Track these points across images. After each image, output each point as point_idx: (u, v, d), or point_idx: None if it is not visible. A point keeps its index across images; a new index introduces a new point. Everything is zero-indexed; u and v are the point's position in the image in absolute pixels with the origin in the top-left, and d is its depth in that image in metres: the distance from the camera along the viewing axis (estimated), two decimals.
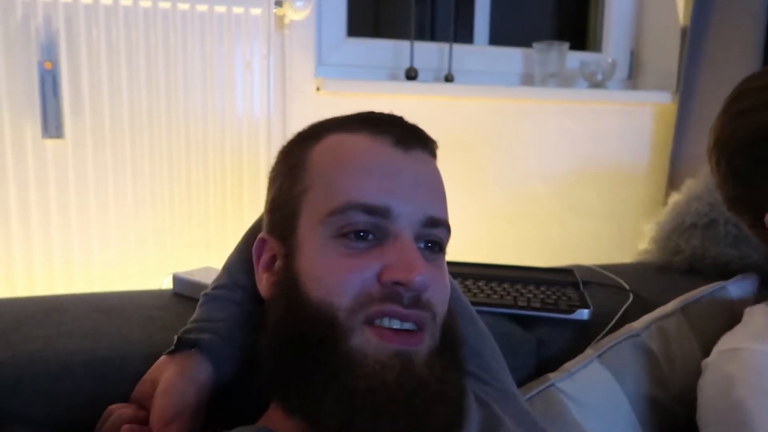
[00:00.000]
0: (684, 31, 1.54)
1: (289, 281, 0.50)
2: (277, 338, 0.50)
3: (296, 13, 1.31)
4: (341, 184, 0.49)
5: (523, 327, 0.80)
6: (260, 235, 0.56)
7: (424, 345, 0.48)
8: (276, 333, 0.50)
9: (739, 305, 0.77)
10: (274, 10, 1.31)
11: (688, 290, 0.82)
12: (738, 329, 0.68)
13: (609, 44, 1.70)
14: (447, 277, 0.53)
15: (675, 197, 1.04)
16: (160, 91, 1.22)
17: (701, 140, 1.50)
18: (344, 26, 1.50)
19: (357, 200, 0.48)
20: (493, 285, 0.85)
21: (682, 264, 0.94)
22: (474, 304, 0.70)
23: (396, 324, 0.47)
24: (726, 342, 0.66)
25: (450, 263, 0.87)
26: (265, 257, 0.55)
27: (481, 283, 0.85)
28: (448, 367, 0.48)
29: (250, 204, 1.26)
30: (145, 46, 1.20)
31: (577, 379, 0.71)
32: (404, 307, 0.47)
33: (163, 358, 0.54)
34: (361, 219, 0.48)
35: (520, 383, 0.73)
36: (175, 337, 0.55)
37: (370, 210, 0.48)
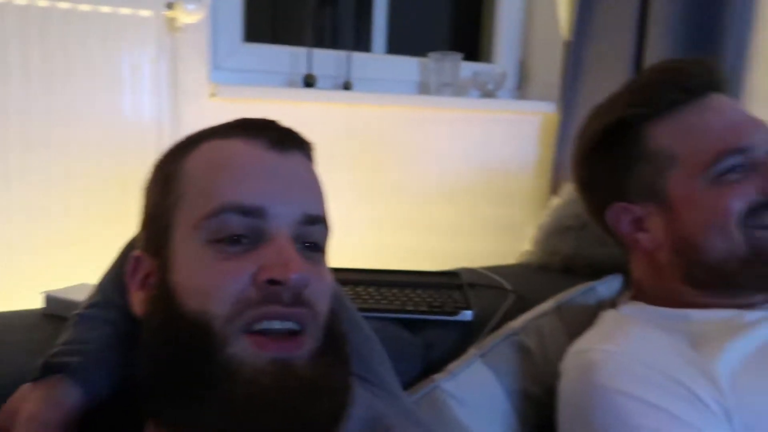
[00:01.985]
0: (567, 45, 1.64)
1: (163, 295, 0.49)
2: (153, 354, 0.49)
3: (188, 16, 1.28)
4: (215, 188, 0.49)
5: (411, 330, 0.82)
6: (134, 253, 0.54)
7: (305, 348, 0.47)
8: (152, 349, 0.49)
9: (606, 305, 0.83)
10: (165, 13, 1.27)
11: (562, 289, 0.88)
12: (589, 332, 0.74)
13: (499, 56, 1.79)
14: (328, 275, 0.53)
15: (555, 201, 1.11)
16: (37, 94, 1.15)
17: None
18: (240, 31, 1.48)
19: (232, 202, 0.48)
20: (382, 290, 0.87)
21: (559, 264, 1.01)
22: (363, 310, 0.72)
23: (276, 324, 0.46)
24: (577, 344, 0.72)
25: (339, 270, 0.89)
26: (139, 275, 0.53)
27: (370, 289, 0.87)
28: (332, 364, 0.49)
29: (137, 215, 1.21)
30: (19, 47, 1.13)
31: (460, 379, 0.75)
32: (284, 306, 0.46)
33: (25, 386, 0.51)
34: (236, 221, 0.48)
35: (409, 386, 0.75)
36: (40, 362, 0.52)
37: (245, 211, 0.48)
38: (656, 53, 1.47)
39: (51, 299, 0.69)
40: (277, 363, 0.46)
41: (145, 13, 1.23)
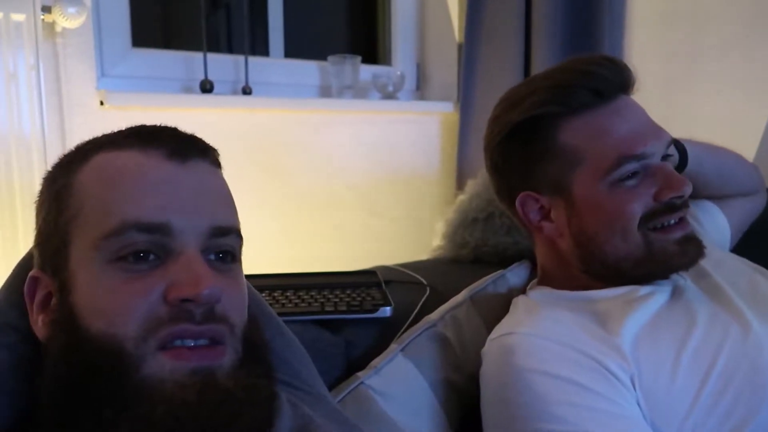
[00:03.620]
0: (460, 47, 1.70)
1: (65, 317, 0.46)
2: (57, 380, 0.46)
3: (69, 21, 1.19)
4: (114, 205, 0.47)
5: (332, 331, 0.82)
6: (31, 273, 0.51)
7: (226, 358, 0.47)
8: (56, 375, 0.46)
9: (513, 292, 0.87)
10: (42, 17, 1.18)
11: (475, 279, 0.91)
12: (505, 319, 0.78)
13: (397, 58, 1.83)
14: (243, 286, 0.52)
15: (460, 196, 1.15)
16: None
17: (480, 145, 1.67)
18: (128, 36, 1.40)
19: (133, 219, 0.46)
20: (300, 293, 0.86)
21: (469, 255, 1.04)
22: (282, 314, 0.71)
23: (188, 342, 0.45)
24: (495, 330, 0.75)
25: (255, 276, 0.87)
26: (39, 296, 0.50)
27: (288, 293, 0.86)
28: (254, 374, 0.48)
29: (26, 233, 1.12)
30: None
31: (383, 374, 0.75)
32: (197, 324, 0.45)
33: None
34: (139, 239, 0.46)
35: (332, 385, 0.75)
36: None
37: (148, 228, 0.46)
38: (542, 53, 1.57)
39: None
40: (199, 373, 0.44)
41: (18, 17, 1.13)
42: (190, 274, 0.45)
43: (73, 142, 0.54)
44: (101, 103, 1.28)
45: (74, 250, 0.47)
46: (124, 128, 0.53)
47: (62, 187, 0.50)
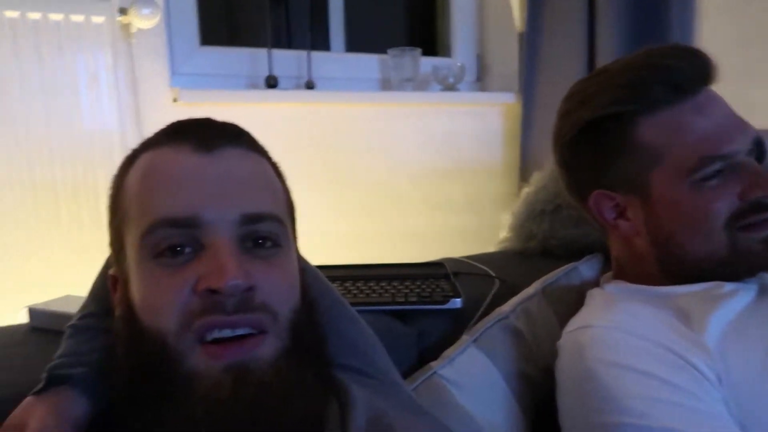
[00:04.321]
0: (521, 36, 1.68)
1: (126, 314, 0.49)
2: (123, 373, 0.48)
3: (143, 21, 1.25)
4: (148, 203, 0.48)
5: (403, 321, 0.83)
6: (110, 271, 0.54)
7: (266, 348, 0.46)
8: (122, 367, 0.48)
9: (587, 285, 0.86)
10: (119, 18, 1.23)
11: (544, 272, 0.90)
12: (582, 311, 0.76)
13: (457, 50, 1.82)
14: (289, 272, 0.51)
15: (526, 188, 1.14)
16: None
17: (544, 135, 1.65)
18: (196, 34, 1.45)
19: (164, 216, 0.47)
20: (371, 284, 0.87)
21: (537, 248, 1.03)
22: (354, 304, 0.72)
23: (227, 333, 0.45)
24: (572, 323, 0.74)
25: (326, 267, 0.88)
26: (115, 293, 0.53)
27: (359, 284, 0.87)
28: (302, 365, 0.47)
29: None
30: None
31: (456, 365, 0.76)
32: (227, 314, 0.45)
33: (29, 398, 0.50)
34: (172, 234, 0.46)
35: (406, 374, 0.76)
36: (44, 375, 0.50)
37: (177, 223, 0.46)
38: (607, 41, 1.52)
39: (35, 312, 0.67)
40: (232, 370, 0.44)
41: (97, 19, 1.19)
42: (216, 265, 0.45)
43: None
44: (174, 100, 1.33)
45: (128, 249, 0.49)
46: (163, 126, 0.54)
47: (116, 191, 0.52)
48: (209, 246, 0.46)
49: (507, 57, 1.76)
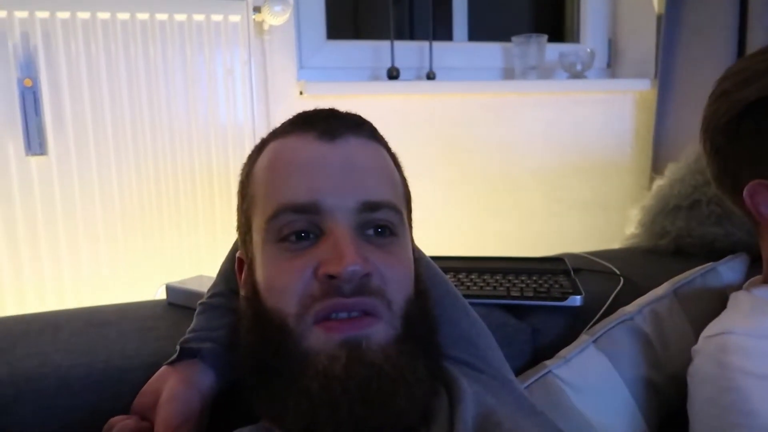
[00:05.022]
0: (659, 19, 1.56)
1: (251, 294, 0.51)
2: (248, 350, 0.50)
3: (275, 18, 1.31)
4: (274, 189, 0.50)
5: (517, 316, 0.81)
6: (237, 254, 0.57)
7: (378, 329, 0.46)
8: (247, 345, 0.50)
9: (729, 288, 0.78)
10: (253, 17, 1.31)
11: (676, 272, 0.83)
12: (724, 315, 0.69)
13: (587, 34, 1.72)
14: (404, 261, 0.51)
15: (659, 181, 1.05)
16: (143, 102, 1.22)
17: (681, 125, 1.52)
18: (323, 29, 1.50)
19: (286, 201, 0.48)
20: (485, 277, 0.85)
21: (669, 246, 0.96)
22: (467, 296, 0.71)
23: (343, 315, 0.46)
24: (712, 328, 0.67)
25: (441, 258, 0.88)
26: (241, 274, 0.56)
27: (473, 276, 0.86)
28: (410, 353, 0.47)
29: None
30: (125, 58, 1.20)
31: (573, 365, 0.72)
32: (347, 297, 0.46)
33: (164, 368, 0.55)
34: (295, 219, 0.48)
35: (518, 372, 0.74)
36: (177, 347, 0.55)
37: (299, 209, 0.48)
38: (762, 21, 1.37)
39: (172, 289, 0.73)
40: (347, 345, 0.45)
41: (234, 18, 1.27)
42: (336, 251, 0.46)
43: None
44: (300, 93, 1.39)
45: (254, 233, 0.51)
46: (291, 117, 0.55)
47: (245, 177, 0.55)
48: (329, 232, 0.47)
49: (642, 41, 1.64)
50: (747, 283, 0.75)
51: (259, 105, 1.34)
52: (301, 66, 1.46)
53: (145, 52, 1.21)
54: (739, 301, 0.70)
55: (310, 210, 0.48)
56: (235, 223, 0.58)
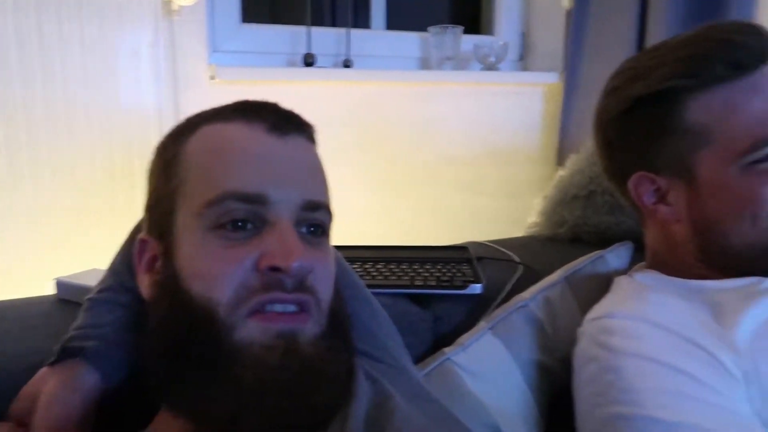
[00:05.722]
0: (569, 14, 1.62)
1: (169, 280, 0.49)
2: (161, 339, 0.49)
3: None
4: (216, 174, 0.49)
5: (421, 305, 0.83)
6: (140, 236, 0.54)
7: (309, 326, 0.48)
8: (160, 334, 0.49)
9: (615, 273, 0.83)
10: None
11: (571, 259, 0.87)
12: (606, 299, 0.73)
13: (501, 27, 1.77)
14: (331, 261, 0.53)
15: (560, 172, 1.10)
16: (36, 83, 1.15)
17: (585, 118, 1.59)
18: (238, 12, 1.46)
19: (233, 189, 0.48)
20: (390, 266, 0.87)
21: (567, 234, 1.01)
22: (372, 286, 0.72)
23: (278, 308, 0.47)
24: (595, 311, 0.71)
25: (347, 247, 0.89)
26: (145, 258, 0.53)
27: (379, 266, 0.87)
28: (335, 348, 0.49)
29: (143, 201, 1.22)
30: (15, 33, 1.12)
31: (470, 352, 0.75)
32: (287, 292, 0.47)
33: (44, 369, 0.52)
34: (237, 208, 0.47)
35: (419, 359, 0.76)
36: (57, 347, 0.52)
37: (246, 198, 0.48)
38: (660, 21, 1.45)
39: (62, 285, 0.70)
40: (284, 336, 0.46)
41: None
42: (283, 245, 0.46)
43: (185, 116, 0.57)
44: (212, 78, 1.35)
45: (179, 216, 0.50)
46: (230, 102, 0.55)
47: (172, 157, 0.53)
48: (274, 225, 0.48)
49: (552, 35, 1.70)
50: (632, 269, 0.81)
51: (167, 90, 1.29)
52: (214, 50, 1.42)
53: (38, 27, 1.13)
54: (620, 285, 0.75)
55: (257, 200, 0.48)
56: (140, 206, 0.56)
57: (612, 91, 0.75)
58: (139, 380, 0.53)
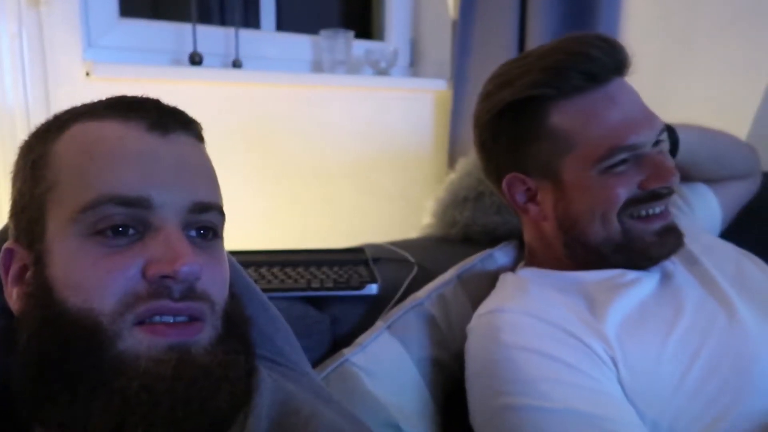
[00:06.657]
0: (454, 24, 1.68)
1: (41, 291, 0.45)
2: (32, 355, 0.45)
3: None
4: (92, 177, 0.45)
5: (318, 307, 0.82)
6: (6, 245, 0.50)
7: (204, 335, 0.46)
8: (31, 349, 0.45)
9: (502, 270, 0.87)
10: None
11: (463, 258, 0.90)
12: (492, 295, 0.77)
13: (391, 34, 1.80)
14: (224, 263, 0.51)
15: (451, 175, 1.14)
16: None
17: (472, 124, 1.66)
18: (115, 5, 1.37)
19: (111, 192, 0.45)
20: (287, 270, 0.85)
21: (458, 234, 1.04)
22: (268, 290, 0.70)
23: (168, 319, 0.45)
24: (482, 307, 0.75)
25: (242, 252, 0.86)
26: (14, 269, 0.49)
27: (275, 269, 0.85)
28: (233, 351, 0.47)
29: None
30: None
31: (368, 352, 0.75)
32: (175, 300, 0.44)
33: None
34: (117, 212, 0.44)
35: (318, 361, 0.75)
36: None
37: (126, 202, 0.45)
38: (537, 31, 1.54)
39: None
40: (175, 349, 0.44)
41: None
42: (170, 250, 0.44)
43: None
44: (87, 74, 1.26)
45: (51, 222, 0.46)
46: (104, 98, 0.51)
47: (38, 157, 0.48)
48: (159, 229, 0.45)
49: (440, 44, 1.76)
50: (518, 266, 0.85)
51: (36, 85, 1.19)
52: (89, 45, 1.32)
53: None
54: (505, 282, 0.79)
55: (139, 204, 0.44)
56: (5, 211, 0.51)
57: (485, 96, 0.79)
58: (7, 400, 0.49)
